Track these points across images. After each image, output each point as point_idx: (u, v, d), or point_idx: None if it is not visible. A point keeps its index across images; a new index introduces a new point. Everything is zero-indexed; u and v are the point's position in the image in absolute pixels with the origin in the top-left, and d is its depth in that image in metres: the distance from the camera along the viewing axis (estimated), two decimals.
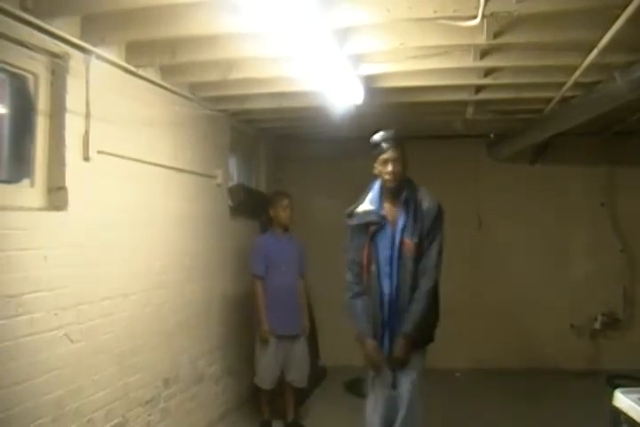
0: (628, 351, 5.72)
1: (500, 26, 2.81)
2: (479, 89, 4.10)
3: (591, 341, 6.03)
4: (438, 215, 3.07)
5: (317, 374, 5.27)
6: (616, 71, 3.24)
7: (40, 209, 2.72)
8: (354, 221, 3.14)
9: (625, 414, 2.45)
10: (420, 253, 3.02)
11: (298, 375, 4.49)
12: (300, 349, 4.51)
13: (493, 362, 5.98)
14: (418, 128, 5.80)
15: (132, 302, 3.35)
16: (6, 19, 2.38)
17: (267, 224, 4.95)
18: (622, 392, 2.55)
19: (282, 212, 4.54)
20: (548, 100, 4.27)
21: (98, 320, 3.01)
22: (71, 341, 2.78)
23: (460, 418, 4.54)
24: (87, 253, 2.92)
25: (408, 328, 3.00)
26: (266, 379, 4.43)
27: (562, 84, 3.75)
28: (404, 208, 3.05)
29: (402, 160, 3.06)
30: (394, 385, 3.05)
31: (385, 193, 3.12)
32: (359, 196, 3.19)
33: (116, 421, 3.15)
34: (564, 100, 4.11)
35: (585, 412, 4.37)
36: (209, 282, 4.46)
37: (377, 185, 3.15)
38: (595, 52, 2.96)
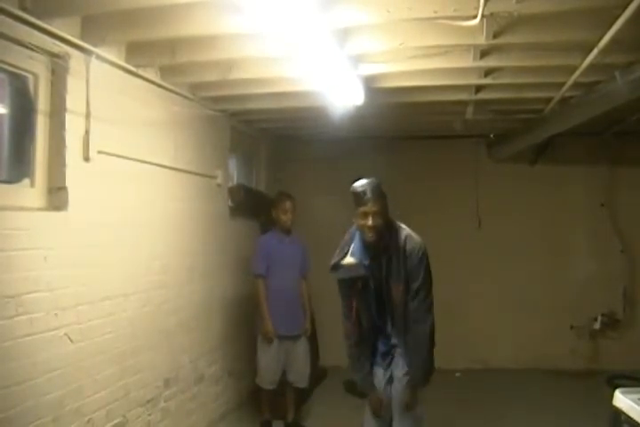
0: (627, 352, 5.73)
1: (500, 26, 2.81)
2: (479, 89, 4.10)
3: (591, 341, 6.04)
4: (422, 256, 2.96)
5: (318, 375, 5.27)
6: (616, 71, 3.24)
7: (40, 209, 2.72)
8: (340, 275, 3.03)
9: (625, 414, 2.45)
10: (407, 295, 2.96)
11: (299, 376, 4.49)
12: (302, 349, 4.51)
13: (493, 362, 5.99)
14: (418, 128, 5.82)
15: (132, 303, 3.35)
16: (6, 19, 2.38)
17: (267, 224, 4.95)
18: (622, 392, 2.56)
19: (282, 215, 4.52)
20: (548, 100, 4.27)
21: (98, 320, 3.01)
22: (71, 341, 2.78)
23: (460, 418, 4.54)
24: (87, 253, 2.92)
25: (416, 379, 3.00)
26: (267, 379, 4.43)
27: (562, 84, 3.75)
28: (385, 256, 2.94)
29: (382, 212, 2.90)
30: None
31: (366, 244, 2.96)
32: (341, 244, 3.07)
33: (116, 421, 3.15)
34: (564, 100, 4.11)
35: (585, 412, 4.37)
36: (209, 282, 4.46)
37: (357, 236, 3.01)
38: (595, 52, 2.95)
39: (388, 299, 3.00)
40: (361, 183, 2.94)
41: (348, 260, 2.99)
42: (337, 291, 3.13)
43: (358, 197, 2.90)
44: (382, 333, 3.10)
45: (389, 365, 3.10)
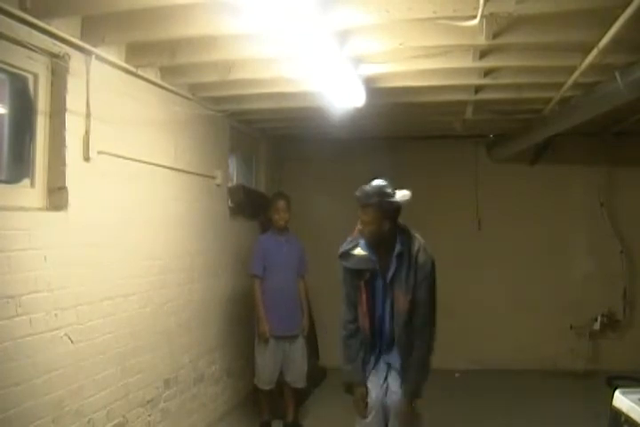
0: (627, 352, 5.73)
1: (500, 26, 2.81)
2: (479, 89, 4.10)
3: (591, 341, 6.02)
4: (431, 271, 2.98)
5: (317, 375, 5.27)
6: (616, 71, 3.24)
7: (40, 209, 2.72)
8: (349, 264, 3.05)
9: (625, 414, 2.45)
10: (412, 308, 2.95)
11: (296, 376, 4.49)
12: (299, 349, 4.51)
13: (493, 362, 5.98)
14: (417, 128, 5.82)
15: (132, 303, 3.35)
16: (6, 19, 2.38)
17: (266, 224, 4.96)
18: (622, 393, 2.56)
19: (275, 214, 4.56)
20: (548, 101, 4.27)
21: (98, 321, 3.01)
22: (71, 341, 2.78)
23: (460, 418, 4.54)
24: (87, 253, 2.92)
25: (411, 393, 2.98)
26: (265, 379, 4.43)
27: (562, 85, 3.75)
28: (396, 260, 2.95)
29: (374, 222, 2.89)
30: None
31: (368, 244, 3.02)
32: (353, 234, 3.09)
33: (116, 421, 3.15)
34: (564, 100, 4.11)
35: (585, 412, 4.37)
36: (209, 282, 4.46)
37: None
38: (595, 52, 2.95)
39: (391, 304, 3.01)
40: (362, 187, 2.98)
41: (360, 251, 3.03)
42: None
43: (357, 201, 2.97)
44: (379, 343, 3.10)
45: (385, 378, 3.08)
